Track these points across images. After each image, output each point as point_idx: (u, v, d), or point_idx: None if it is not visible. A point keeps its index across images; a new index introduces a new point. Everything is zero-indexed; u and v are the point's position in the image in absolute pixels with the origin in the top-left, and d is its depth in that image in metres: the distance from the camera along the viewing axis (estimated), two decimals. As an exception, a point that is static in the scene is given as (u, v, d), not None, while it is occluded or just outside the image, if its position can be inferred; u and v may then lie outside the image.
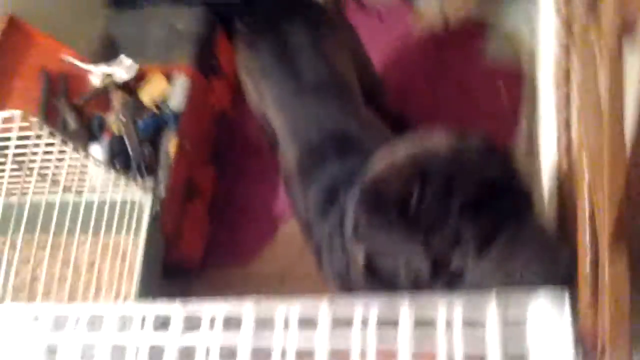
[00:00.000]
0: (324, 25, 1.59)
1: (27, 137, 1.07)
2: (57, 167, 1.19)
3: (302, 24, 1.53)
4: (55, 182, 1.24)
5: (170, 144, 1.87)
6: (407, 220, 0.85)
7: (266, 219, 2.07)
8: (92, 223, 1.31)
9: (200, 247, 2.01)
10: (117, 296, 1.44)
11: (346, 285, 1.15)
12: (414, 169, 0.87)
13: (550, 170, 1.53)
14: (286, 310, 0.72)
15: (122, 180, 1.34)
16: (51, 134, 1.10)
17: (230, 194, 2.16)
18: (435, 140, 0.90)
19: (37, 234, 1.21)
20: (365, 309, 0.68)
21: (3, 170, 1.18)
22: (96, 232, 1.34)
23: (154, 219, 1.50)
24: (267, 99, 1.48)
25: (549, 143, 1.59)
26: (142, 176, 1.81)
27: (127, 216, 1.36)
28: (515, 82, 2.10)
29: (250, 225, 2.09)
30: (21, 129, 1.05)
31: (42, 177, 1.21)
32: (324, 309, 0.70)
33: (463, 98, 2.15)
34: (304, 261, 1.95)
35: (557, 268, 0.82)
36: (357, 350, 0.68)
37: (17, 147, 1.10)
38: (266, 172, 2.14)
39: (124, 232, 1.39)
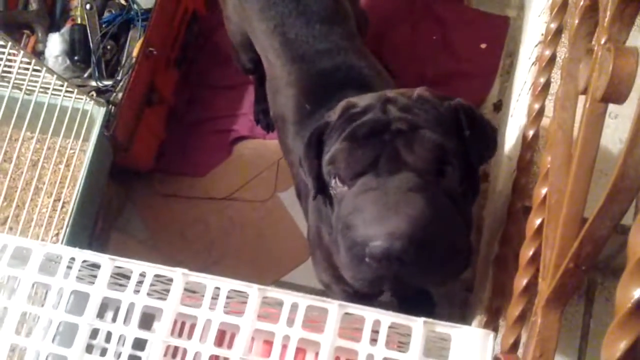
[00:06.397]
0: None
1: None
2: (7, 66, 1.12)
3: None
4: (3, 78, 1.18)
5: (135, 44, 1.78)
6: None
7: (223, 136, 2.01)
8: (40, 123, 1.26)
9: (152, 155, 1.96)
10: (57, 200, 1.40)
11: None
12: None
13: (515, 140, 1.53)
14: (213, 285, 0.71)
15: (75, 91, 1.27)
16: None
17: (192, 102, 2.09)
18: None
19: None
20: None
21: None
22: (43, 133, 1.29)
23: (107, 127, 1.44)
24: (260, 25, 1.41)
25: (519, 110, 1.57)
26: (100, 74, 1.72)
27: (77, 123, 1.30)
28: (498, 34, 2.05)
29: (207, 138, 2.03)
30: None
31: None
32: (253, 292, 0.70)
33: (442, 43, 2.10)
34: (252, 187, 1.94)
35: None
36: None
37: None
38: (232, 86, 2.08)
39: (72, 137, 1.34)
